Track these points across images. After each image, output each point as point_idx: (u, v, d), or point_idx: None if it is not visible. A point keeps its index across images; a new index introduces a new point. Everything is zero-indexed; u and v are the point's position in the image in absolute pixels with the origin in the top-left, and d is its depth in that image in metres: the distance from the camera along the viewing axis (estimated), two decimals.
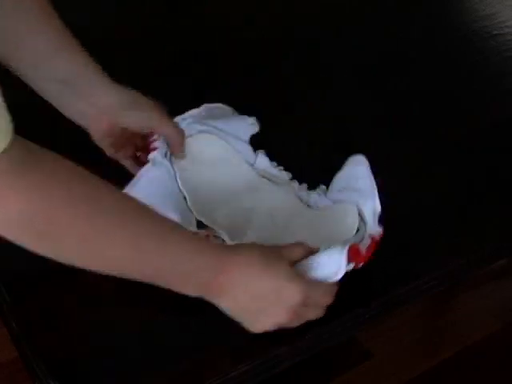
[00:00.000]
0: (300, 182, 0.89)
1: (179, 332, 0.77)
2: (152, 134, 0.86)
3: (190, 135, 0.90)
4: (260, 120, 0.94)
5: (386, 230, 0.79)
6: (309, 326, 0.77)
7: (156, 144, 0.86)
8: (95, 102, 0.84)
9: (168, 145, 0.87)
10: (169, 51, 1.11)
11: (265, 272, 0.71)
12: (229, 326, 0.77)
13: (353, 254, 0.75)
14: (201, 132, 0.90)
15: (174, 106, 0.89)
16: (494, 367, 1.57)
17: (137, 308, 0.78)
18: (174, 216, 0.78)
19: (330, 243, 0.77)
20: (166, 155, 0.87)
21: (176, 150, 0.88)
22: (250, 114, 0.92)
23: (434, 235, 0.87)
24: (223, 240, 0.82)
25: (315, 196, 0.89)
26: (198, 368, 0.74)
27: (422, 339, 1.64)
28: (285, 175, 0.90)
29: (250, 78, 1.08)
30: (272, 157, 0.91)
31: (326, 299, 0.74)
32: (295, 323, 0.73)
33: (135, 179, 0.83)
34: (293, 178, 0.89)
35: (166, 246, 0.69)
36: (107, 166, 0.86)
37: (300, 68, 1.11)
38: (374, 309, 0.80)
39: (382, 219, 0.81)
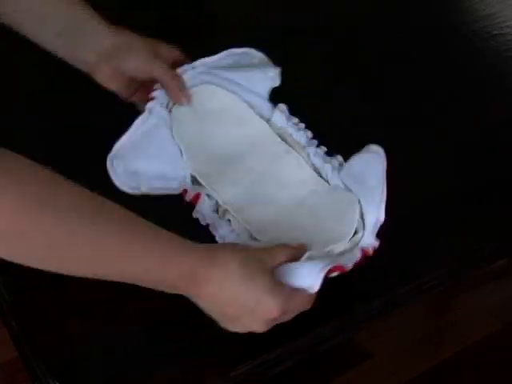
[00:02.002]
0: (319, 145, 0.85)
1: (179, 332, 0.77)
2: (156, 80, 0.84)
3: (194, 85, 0.85)
4: None
5: (386, 230, 0.79)
6: (309, 326, 0.77)
7: (155, 93, 0.82)
8: (93, 49, 0.85)
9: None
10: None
11: (243, 284, 0.69)
12: None
13: (336, 269, 0.73)
14: (206, 83, 0.85)
15: None
16: (494, 367, 1.57)
17: (137, 308, 0.78)
18: (165, 168, 0.76)
19: (321, 242, 0.75)
20: (167, 106, 0.83)
21: (174, 97, 0.85)
22: None
23: (434, 235, 0.87)
24: (216, 202, 0.79)
25: (329, 168, 0.84)
26: (198, 368, 0.74)
27: (422, 339, 1.64)
28: (303, 136, 0.84)
29: None
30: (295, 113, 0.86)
31: (303, 308, 0.72)
32: (266, 328, 0.71)
33: (130, 128, 0.80)
34: (313, 138, 0.85)
35: (134, 264, 0.66)
36: None
37: (300, 68, 1.11)
38: (374, 309, 0.80)
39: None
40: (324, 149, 0.86)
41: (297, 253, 0.73)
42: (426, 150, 0.98)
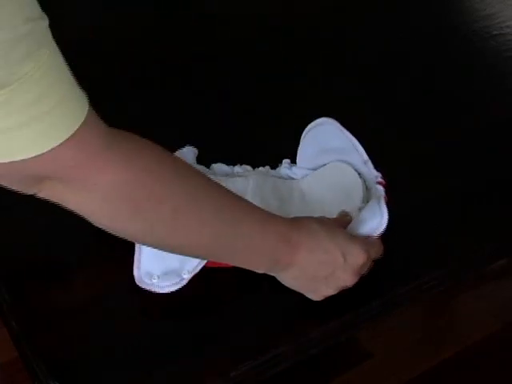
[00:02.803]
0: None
1: (179, 332, 0.77)
2: None
3: None
4: (258, 119, 0.94)
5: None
6: (309, 325, 0.77)
7: None
8: None
9: None
10: (169, 52, 1.11)
11: (327, 238, 0.74)
12: (229, 326, 0.77)
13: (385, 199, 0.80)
14: None
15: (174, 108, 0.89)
16: (494, 367, 1.56)
17: (137, 308, 0.78)
18: None
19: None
20: None
21: None
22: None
23: (434, 235, 0.87)
24: None
25: (285, 170, 0.89)
26: (198, 368, 0.74)
27: (422, 339, 1.64)
28: (248, 168, 0.89)
29: (250, 77, 1.08)
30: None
31: (380, 251, 0.78)
32: (355, 281, 0.76)
33: None
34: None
35: (241, 228, 0.71)
36: None
37: (300, 68, 1.11)
38: (374, 309, 0.80)
39: None
40: (267, 167, 0.90)
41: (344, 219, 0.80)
42: (426, 150, 0.98)
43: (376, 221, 0.78)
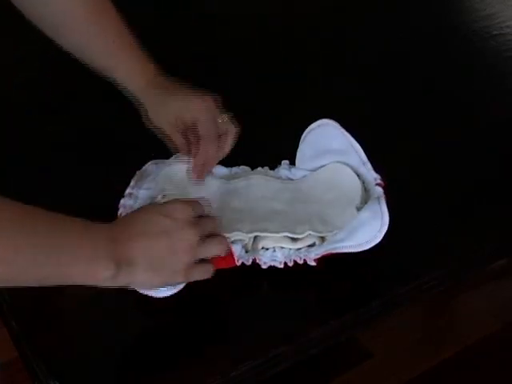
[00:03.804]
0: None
1: (179, 332, 0.77)
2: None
3: None
4: (258, 119, 0.93)
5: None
6: (309, 325, 0.77)
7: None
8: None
9: None
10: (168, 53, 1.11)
11: (142, 216, 0.73)
12: (229, 326, 0.77)
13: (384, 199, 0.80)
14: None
15: None
16: (494, 367, 1.57)
17: (137, 308, 0.78)
18: None
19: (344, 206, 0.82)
20: None
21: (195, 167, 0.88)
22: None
23: (434, 235, 0.87)
24: None
25: (284, 171, 0.89)
26: (198, 368, 0.74)
27: (422, 339, 1.64)
28: (247, 169, 0.90)
29: (249, 77, 1.08)
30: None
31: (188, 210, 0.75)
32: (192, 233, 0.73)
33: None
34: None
35: (58, 240, 0.67)
36: None
37: (300, 68, 1.11)
38: (374, 309, 0.80)
39: None
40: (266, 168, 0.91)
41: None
42: (426, 150, 0.98)
43: (377, 222, 0.78)
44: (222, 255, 0.77)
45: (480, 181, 0.95)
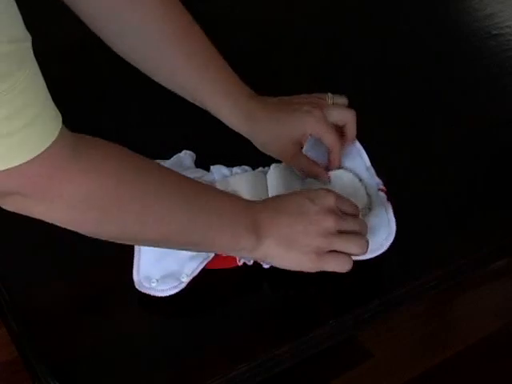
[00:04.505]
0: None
1: (179, 332, 0.77)
2: None
3: None
4: None
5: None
6: (309, 325, 0.77)
7: None
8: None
9: None
10: None
11: (289, 196, 0.79)
12: (229, 326, 0.77)
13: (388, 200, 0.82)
14: None
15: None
16: (494, 367, 1.56)
17: (137, 308, 0.78)
18: None
19: None
20: None
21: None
22: None
23: (434, 235, 0.87)
24: None
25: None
26: (198, 368, 0.74)
27: (422, 339, 1.64)
28: (247, 169, 0.89)
29: (250, 77, 1.08)
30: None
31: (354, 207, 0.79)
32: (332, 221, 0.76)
33: None
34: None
35: (210, 214, 0.73)
36: None
37: (300, 68, 1.11)
38: (374, 309, 0.80)
39: None
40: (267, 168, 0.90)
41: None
42: (426, 150, 0.98)
43: (384, 230, 0.79)
44: (359, 255, 0.77)
45: (480, 181, 0.95)
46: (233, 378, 0.73)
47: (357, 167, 0.86)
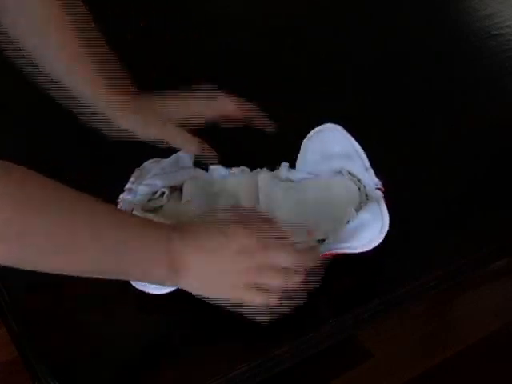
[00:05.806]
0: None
1: (179, 332, 0.77)
2: None
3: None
4: None
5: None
6: (309, 325, 0.77)
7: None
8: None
9: None
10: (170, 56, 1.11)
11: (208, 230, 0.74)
12: (229, 326, 0.77)
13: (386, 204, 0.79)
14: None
15: None
16: (493, 367, 1.57)
17: (137, 308, 0.78)
18: None
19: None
20: None
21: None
22: None
23: (434, 235, 0.87)
24: None
25: (283, 173, 0.89)
26: (198, 368, 0.74)
27: (422, 339, 1.64)
28: (246, 169, 0.90)
29: (250, 78, 1.08)
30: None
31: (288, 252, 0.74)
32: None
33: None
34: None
35: (122, 240, 0.70)
36: None
37: (300, 68, 1.11)
38: (374, 309, 0.80)
39: None
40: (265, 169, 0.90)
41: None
42: (426, 150, 0.98)
43: (377, 223, 0.78)
44: (289, 286, 0.74)
45: (480, 181, 0.95)
46: (233, 378, 0.73)
47: (356, 168, 0.86)
